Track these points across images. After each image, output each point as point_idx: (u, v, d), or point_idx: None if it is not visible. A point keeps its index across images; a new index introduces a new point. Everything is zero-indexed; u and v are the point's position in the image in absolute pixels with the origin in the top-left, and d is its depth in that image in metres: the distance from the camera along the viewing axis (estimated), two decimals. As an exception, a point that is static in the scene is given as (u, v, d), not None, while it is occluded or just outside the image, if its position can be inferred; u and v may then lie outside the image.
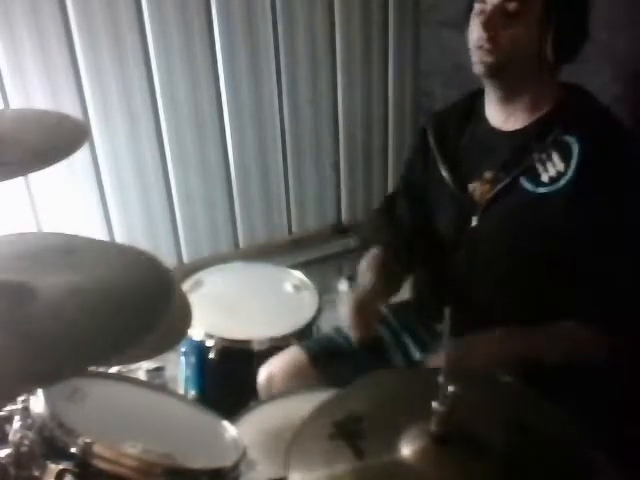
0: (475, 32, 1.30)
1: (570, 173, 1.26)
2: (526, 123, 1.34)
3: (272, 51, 2.36)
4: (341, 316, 1.39)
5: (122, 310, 0.90)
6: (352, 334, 1.36)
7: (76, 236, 1.13)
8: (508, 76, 1.31)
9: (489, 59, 1.28)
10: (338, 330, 1.56)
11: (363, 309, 1.36)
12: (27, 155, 1.01)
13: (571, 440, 0.88)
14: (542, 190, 1.29)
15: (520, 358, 1.24)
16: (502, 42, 1.26)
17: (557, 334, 1.28)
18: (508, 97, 1.35)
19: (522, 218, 1.32)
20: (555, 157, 1.28)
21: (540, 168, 1.29)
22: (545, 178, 1.28)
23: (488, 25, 1.27)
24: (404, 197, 1.58)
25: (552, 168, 1.28)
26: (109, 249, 1.15)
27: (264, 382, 1.50)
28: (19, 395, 1.02)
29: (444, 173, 1.42)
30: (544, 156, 1.29)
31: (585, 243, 1.25)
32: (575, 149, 1.26)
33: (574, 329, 1.26)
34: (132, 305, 0.91)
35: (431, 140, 1.47)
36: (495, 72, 1.30)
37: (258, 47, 2.33)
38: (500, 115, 1.38)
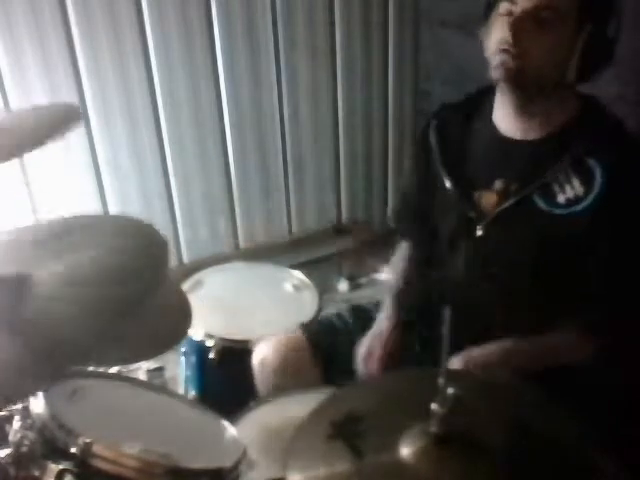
0: (499, 33, 1.23)
1: (590, 199, 1.23)
2: (542, 134, 1.30)
3: (272, 51, 2.36)
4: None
5: (119, 285, 0.90)
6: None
7: (69, 217, 1.13)
8: (528, 84, 1.25)
9: (512, 64, 1.21)
10: (339, 315, 1.57)
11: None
12: (22, 137, 1.00)
13: (571, 440, 0.88)
14: (557, 211, 1.26)
15: (518, 369, 1.25)
16: (528, 48, 1.20)
17: (555, 345, 1.30)
18: (524, 106, 1.30)
19: (532, 235, 1.29)
20: (574, 180, 1.25)
21: (556, 188, 1.26)
22: (562, 199, 1.26)
23: (517, 27, 1.19)
24: (407, 211, 1.58)
25: (570, 190, 1.25)
26: (103, 222, 1.15)
27: (258, 361, 1.50)
28: (22, 394, 1.02)
29: (445, 178, 1.37)
30: (562, 176, 1.26)
31: (598, 264, 1.25)
32: (597, 174, 1.23)
33: (569, 336, 1.28)
34: (129, 275, 0.91)
35: (433, 142, 1.42)
36: (515, 78, 1.24)
37: (258, 47, 2.33)
38: (512, 122, 1.33)
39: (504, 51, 1.22)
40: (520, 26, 1.20)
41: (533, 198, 1.28)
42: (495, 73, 1.25)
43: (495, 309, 1.34)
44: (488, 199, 1.34)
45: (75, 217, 1.14)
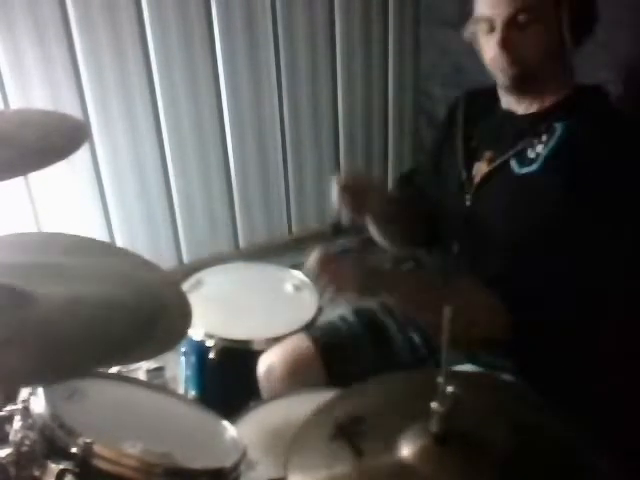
0: (490, 51, 1.27)
1: (545, 153, 1.26)
2: (534, 110, 1.34)
3: (272, 51, 2.37)
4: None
5: (119, 320, 0.90)
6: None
7: (76, 236, 1.13)
8: (533, 81, 1.29)
9: (513, 71, 1.26)
10: (343, 318, 1.57)
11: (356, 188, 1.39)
12: (27, 155, 1.01)
13: (571, 440, 0.88)
14: (523, 171, 1.29)
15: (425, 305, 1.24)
16: (521, 52, 1.24)
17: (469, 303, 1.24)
18: (526, 96, 1.34)
19: (506, 200, 1.33)
20: (543, 140, 1.28)
21: (529, 151, 1.29)
22: (528, 160, 1.29)
23: (503, 42, 1.24)
24: (428, 169, 1.58)
25: (536, 150, 1.29)
26: (108, 252, 1.16)
27: (265, 369, 1.50)
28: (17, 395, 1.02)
29: (459, 151, 1.43)
30: (535, 140, 1.29)
31: (555, 225, 1.24)
32: (557, 132, 1.26)
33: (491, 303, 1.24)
34: (130, 315, 0.92)
35: (459, 117, 1.46)
36: (521, 82, 1.28)
37: (258, 47, 2.34)
38: (513, 102, 1.37)
39: (501, 64, 1.27)
40: (507, 40, 1.24)
41: (509, 163, 1.32)
42: (502, 82, 1.31)
43: (488, 281, 1.33)
44: (479, 169, 1.39)
45: (77, 237, 1.15)
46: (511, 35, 1.23)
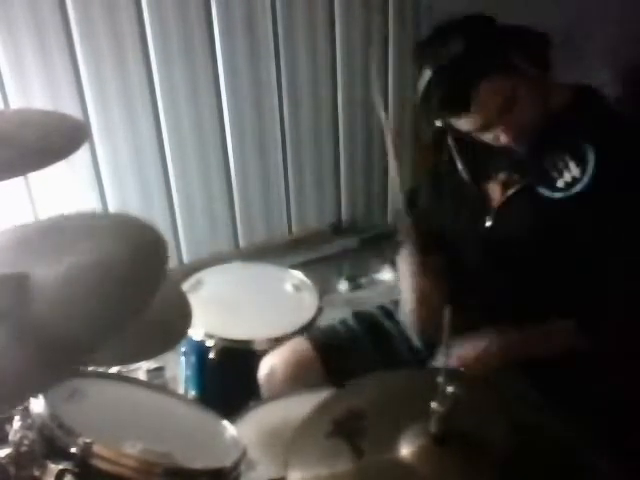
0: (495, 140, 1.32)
1: (586, 179, 1.25)
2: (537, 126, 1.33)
3: (272, 51, 2.36)
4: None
5: (120, 283, 0.90)
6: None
7: (69, 215, 1.13)
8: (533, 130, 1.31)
9: (511, 130, 1.29)
10: (342, 321, 1.57)
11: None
12: (27, 155, 1.01)
13: (571, 440, 0.88)
14: (558, 195, 1.29)
15: (515, 358, 1.28)
16: (521, 125, 1.27)
17: (550, 334, 1.32)
18: None
19: (536, 222, 1.32)
20: (570, 163, 1.28)
21: (555, 173, 1.29)
22: (561, 184, 1.28)
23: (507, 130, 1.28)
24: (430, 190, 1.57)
25: (567, 174, 1.28)
26: (103, 221, 1.16)
27: (266, 372, 1.51)
28: (24, 398, 1.02)
29: (462, 172, 1.41)
30: (559, 162, 1.29)
31: (598, 247, 1.25)
32: (591, 155, 1.26)
33: (564, 328, 1.29)
34: (130, 275, 0.91)
35: (449, 138, 1.44)
36: (522, 134, 1.30)
37: (258, 47, 2.33)
38: None
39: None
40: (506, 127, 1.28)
41: (534, 185, 1.32)
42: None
43: (501, 304, 1.35)
44: (494, 191, 1.38)
45: (74, 215, 1.15)
46: (507, 118, 1.27)
